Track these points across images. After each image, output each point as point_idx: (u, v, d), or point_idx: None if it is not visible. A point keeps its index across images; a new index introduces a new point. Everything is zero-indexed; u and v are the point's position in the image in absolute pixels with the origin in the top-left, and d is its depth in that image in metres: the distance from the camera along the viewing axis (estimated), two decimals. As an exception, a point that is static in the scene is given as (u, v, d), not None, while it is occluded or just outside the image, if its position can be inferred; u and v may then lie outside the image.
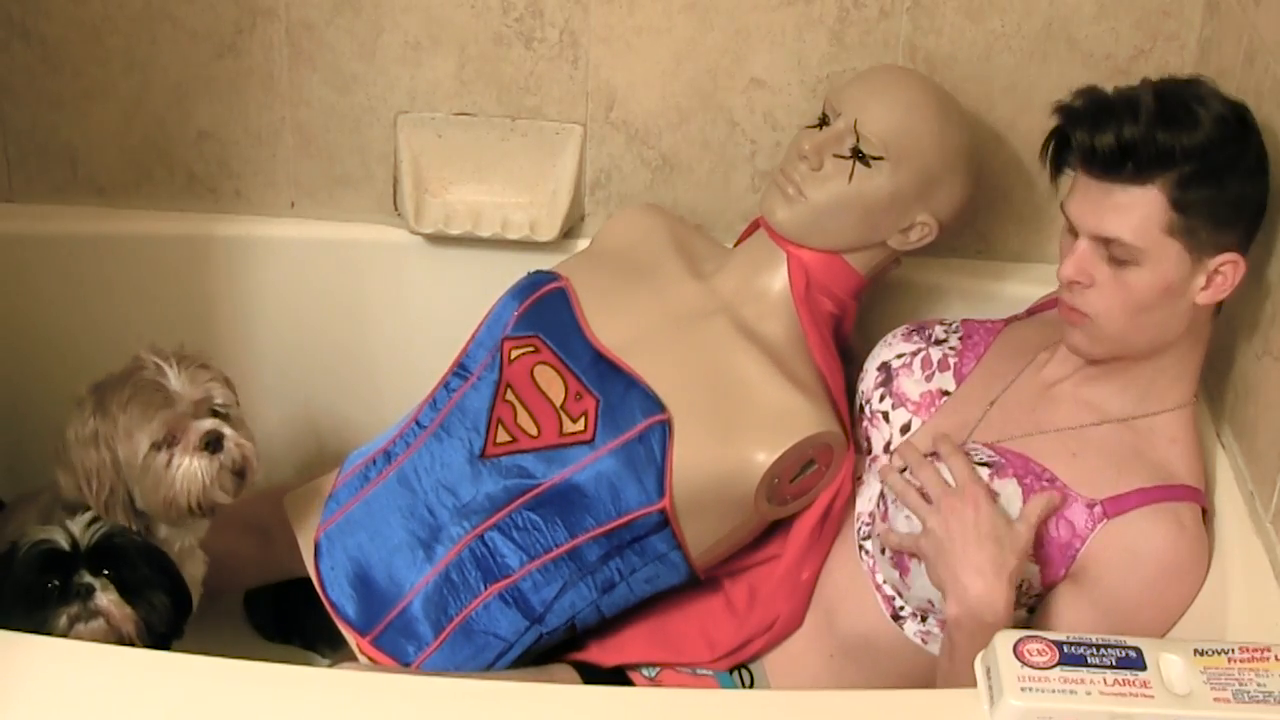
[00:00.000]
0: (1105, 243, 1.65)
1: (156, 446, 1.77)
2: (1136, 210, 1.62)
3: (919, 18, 2.08)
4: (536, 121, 2.18)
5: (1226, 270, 1.65)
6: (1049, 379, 1.80)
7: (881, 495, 1.79)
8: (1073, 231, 1.69)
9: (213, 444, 1.79)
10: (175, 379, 1.78)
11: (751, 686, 1.86)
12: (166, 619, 1.73)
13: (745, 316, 1.92)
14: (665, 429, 1.80)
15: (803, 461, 1.82)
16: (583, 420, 1.85)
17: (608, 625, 1.91)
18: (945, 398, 1.86)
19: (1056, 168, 1.73)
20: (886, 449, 1.88)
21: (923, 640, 1.78)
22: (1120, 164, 1.62)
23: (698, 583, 1.90)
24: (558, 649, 1.90)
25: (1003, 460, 1.71)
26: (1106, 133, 1.62)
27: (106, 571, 1.69)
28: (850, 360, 1.99)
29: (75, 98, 2.18)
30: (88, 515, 1.75)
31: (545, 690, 1.67)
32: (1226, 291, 1.67)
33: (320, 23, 2.13)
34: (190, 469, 1.77)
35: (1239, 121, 1.66)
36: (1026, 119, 2.11)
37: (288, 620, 2.15)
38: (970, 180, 1.94)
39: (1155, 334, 1.70)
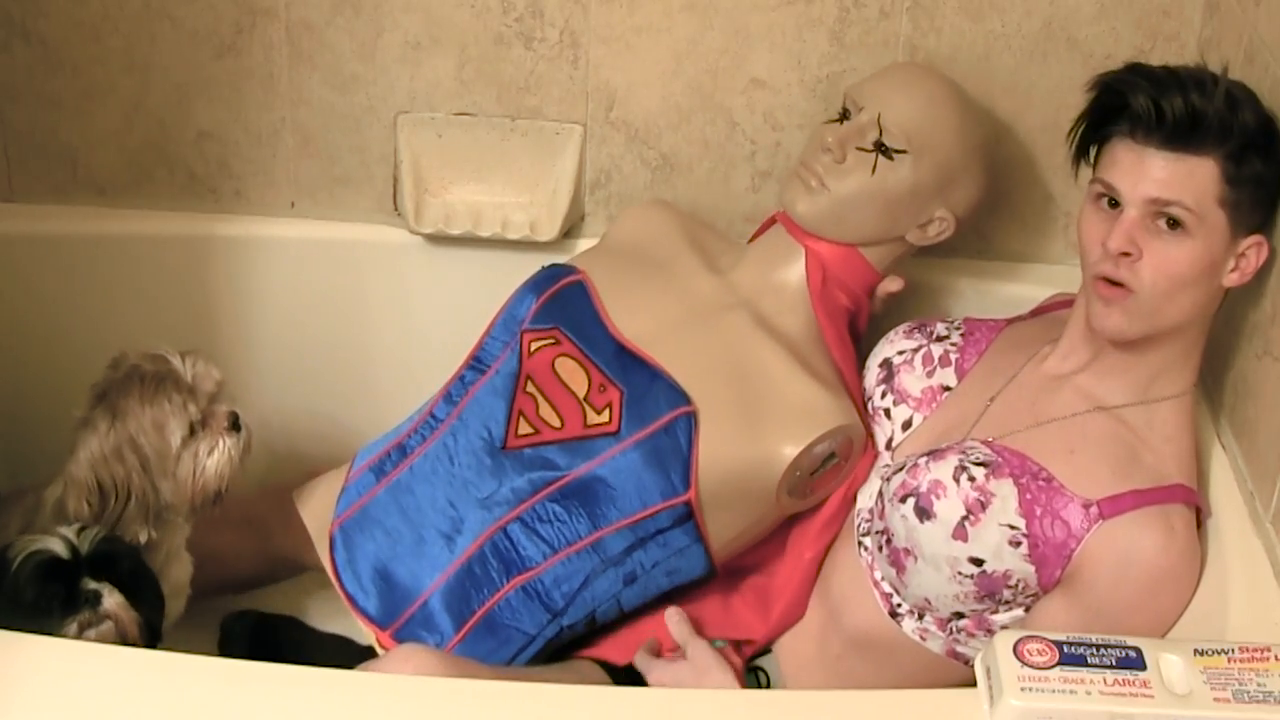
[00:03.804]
0: (1160, 210, 1.66)
1: (190, 434, 1.80)
2: (1194, 177, 1.65)
3: (919, 18, 2.07)
4: (536, 121, 2.18)
5: (1250, 253, 1.68)
6: (1050, 372, 1.80)
7: (879, 493, 1.79)
8: (1105, 208, 1.70)
9: (234, 424, 1.83)
10: (188, 367, 1.81)
11: (768, 687, 1.87)
12: (161, 618, 1.74)
13: (763, 311, 1.93)
14: (691, 421, 1.81)
15: (825, 455, 1.82)
16: (607, 412, 1.85)
17: (624, 624, 1.91)
18: (946, 393, 1.86)
19: (1090, 142, 1.74)
20: (889, 446, 1.88)
21: (920, 637, 1.78)
22: (1188, 131, 1.65)
23: (715, 576, 1.90)
24: (572, 645, 1.90)
25: (999, 459, 1.71)
26: (1175, 97, 1.65)
27: (107, 576, 1.69)
28: (862, 355, 2.00)
29: (75, 98, 2.18)
30: (78, 522, 1.74)
31: (545, 690, 1.67)
32: (1249, 275, 1.69)
33: (320, 23, 2.13)
34: (223, 450, 1.81)
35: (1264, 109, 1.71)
36: (1026, 119, 2.11)
37: (263, 657, 2.11)
38: (986, 177, 1.96)
39: (1183, 314, 1.71)
